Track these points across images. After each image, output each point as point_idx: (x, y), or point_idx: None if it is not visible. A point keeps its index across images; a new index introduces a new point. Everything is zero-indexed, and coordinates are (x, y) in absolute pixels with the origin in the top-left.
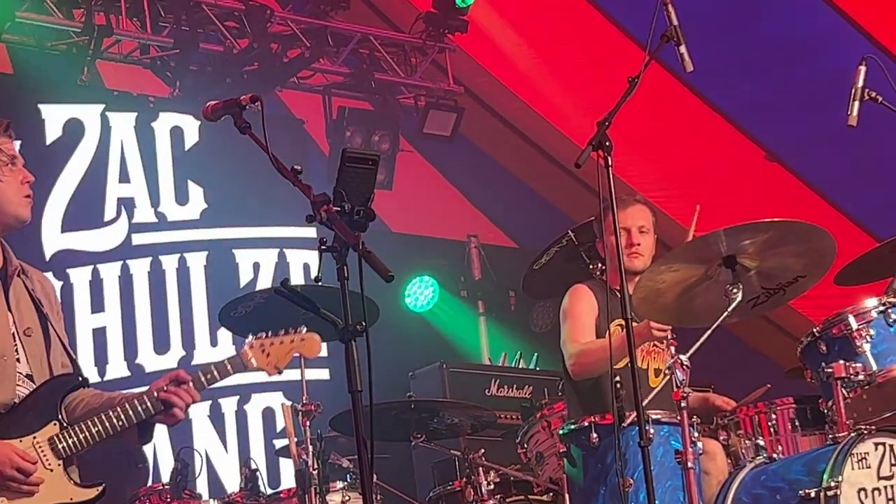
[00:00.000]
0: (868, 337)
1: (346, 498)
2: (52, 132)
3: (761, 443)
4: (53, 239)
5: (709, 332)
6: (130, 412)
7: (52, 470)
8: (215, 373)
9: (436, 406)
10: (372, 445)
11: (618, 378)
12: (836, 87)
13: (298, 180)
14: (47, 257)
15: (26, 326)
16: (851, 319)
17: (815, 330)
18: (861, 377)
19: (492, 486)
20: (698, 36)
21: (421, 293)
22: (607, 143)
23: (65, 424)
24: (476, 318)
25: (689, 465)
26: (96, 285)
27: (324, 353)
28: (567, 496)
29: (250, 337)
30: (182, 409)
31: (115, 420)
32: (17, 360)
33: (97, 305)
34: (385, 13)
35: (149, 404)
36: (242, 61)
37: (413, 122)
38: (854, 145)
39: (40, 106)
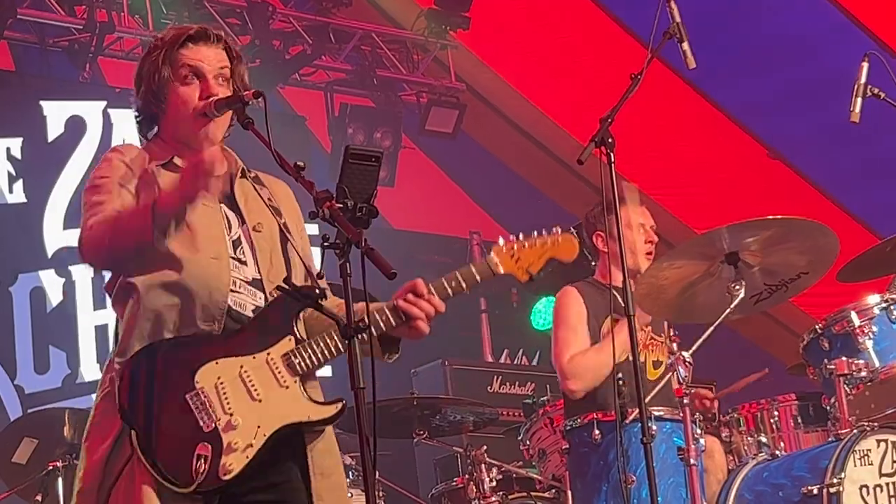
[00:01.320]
0: (871, 333)
1: (349, 495)
2: (54, 129)
3: (764, 440)
4: (56, 236)
5: (711, 328)
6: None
7: (287, 387)
8: (461, 281)
9: (438, 403)
10: (374, 442)
11: (620, 375)
12: (838, 84)
13: (301, 177)
14: (49, 254)
15: (256, 222)
16: (854, 316)
17: (817, 326)
18: (863, 374)
19: (494, 483)
20: (701, 33)
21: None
22: (610, 140)
23: (300, 339)
24: (478, 315)
25: (692, 461)
26: (98, 282)
27: None
28: (569, 493)
29: (500, 240)
30: (425, 322)
31: (336, 338)
32: (243, 262)
33: (99, 302)
34: (387, 10)
35: (388, 315)
36: (244, 58)
37: (415, 119)
38: (856, 142)
39: (42, 103)
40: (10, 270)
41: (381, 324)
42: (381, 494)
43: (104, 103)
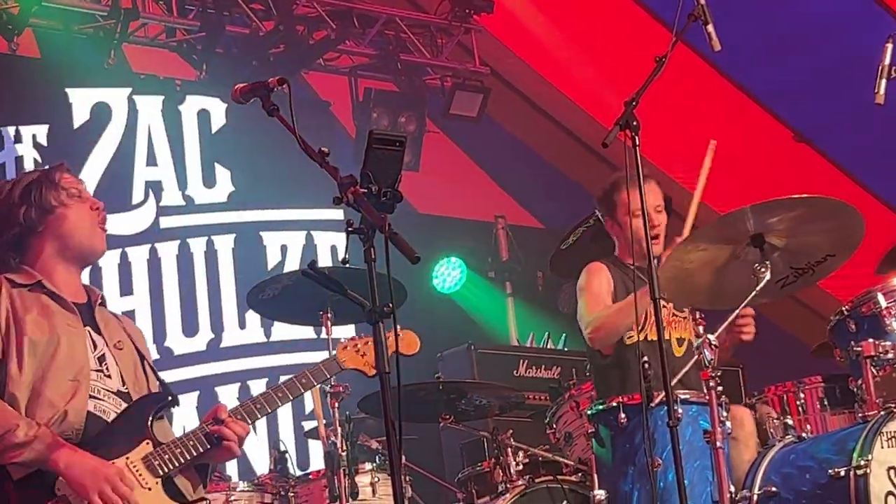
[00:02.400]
0: None
1: (375, 479)
2: (80, 116)
3: (790, 422)
4: None
5: (737, 311)
6: (196, 441)
7: (150, 489)
8: (311, 378)
9: (464, 387)
10: (400, 427)
11: (646, 357)
12: (864, 66)
13: (326, 162)
14: None
15: (116, 340)
16: (881, 297)
17: (844, 308)
18: (890, 355)
19: (520, 467)
20: (725, 15)
21: (448, 274)
22: (634, 123)
23: (158, 442)
24: (504, 299)
25: (718, 444)
26: (125, 269)
27: (352, 334)
28: (596, 476)
29: (342, 339)
30: (236, 445)
31: (191, 446)
32: (108, 375)
33: (126, 289)
34: None
35: (201, 438)
36: (268, 44)
37: (439, 104)
38: (882, 124)
39: (67, 90)
40: None
41: (192, 449)
42: (407, 478)
43: (129, 90)
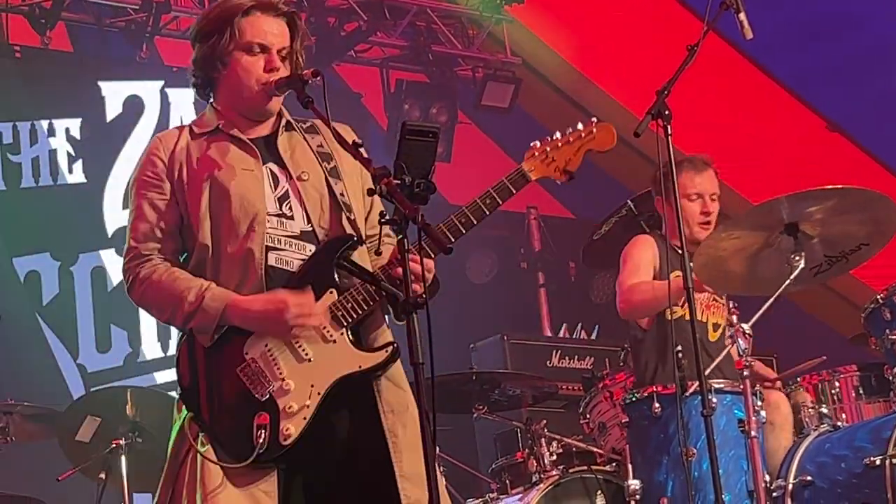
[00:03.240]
0: None
1: None
2: (113, 109)
3: (825, 411)
4: (115, 215)
5: (771, 300)
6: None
7: (334, 342)
8: (496, 196)
9: (497, 378)
10: (434, 418)
11: (679, 347)
12: None
13: (359, 153)
14: (109, 234)
15: (301, 170)
16: None
17: (879, 297)
18: None
19: (554, 457)
20: (757, 4)
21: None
22: (666, 113)
23: (342, 289)
24: (536, 290)
25: (753, 434)
26: None
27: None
28: (630, 466)
29: (534, 143)
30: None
31: (381, 284)
32: (290, 217)
33: None
34: None
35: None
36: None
37: (470, 95)
38: None
39: (100, 83)
40: (71, 250)
41: (375, 295)
42: (441, 469)
43: (161, 83)
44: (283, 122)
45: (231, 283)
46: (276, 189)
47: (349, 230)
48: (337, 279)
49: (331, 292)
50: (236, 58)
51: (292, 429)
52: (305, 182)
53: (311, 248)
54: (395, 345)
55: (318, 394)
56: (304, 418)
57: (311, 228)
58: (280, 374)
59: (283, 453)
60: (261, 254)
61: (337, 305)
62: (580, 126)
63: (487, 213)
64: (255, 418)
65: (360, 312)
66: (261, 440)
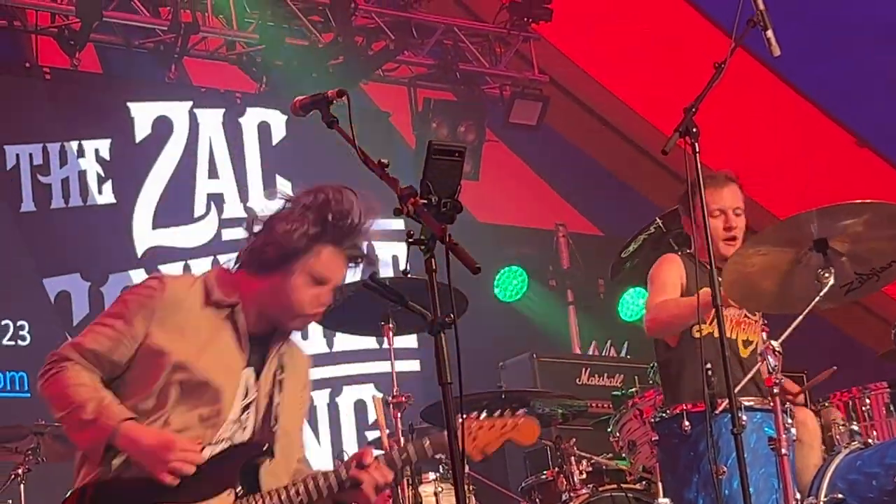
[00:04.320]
0: None
1: (439, 489)
2: (142, 130)
3: (856, 428)
4: (145, 236)
5: (801, 317)
6: (311, 487)
7: None
8: (412, 454)
9: (526, 396)
10: (463, 436)
11: (709, 365)
12: None
13: (385, 173)
14: (139, 254)
15: (269, 386)
16: None
17: None
18: None
19: (584, 476)
20: (785, 20)
21: (510, 283)
22: (694, 130)
23: (242, 493)
24: (565, 307)
25: (783, 451)
26: None
27: (413, 344)
28: (660, 484)
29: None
30: (373, 491)
31: (292, 494)
32: (243, 428)
33: None
34: (468, 4)
35: (332, 480)
36: (327, 55)
37: (498, 113)
38: None
39: (129, 104)
40: (102, 271)
41: (323, 489)
42: (471, 488)
43: (190, 103)
44: (280, 332)
45: None
46: (245, 397)
47: (268, 440)
48: (243, 482)
49: (228, 493)
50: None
51: None
52: (276, 406)
53: None
54: None
55: None
56: None
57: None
58: None
59: None
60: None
61: None
62: (507, 415)
63: (399, 466)
64: None
65: None
66: None
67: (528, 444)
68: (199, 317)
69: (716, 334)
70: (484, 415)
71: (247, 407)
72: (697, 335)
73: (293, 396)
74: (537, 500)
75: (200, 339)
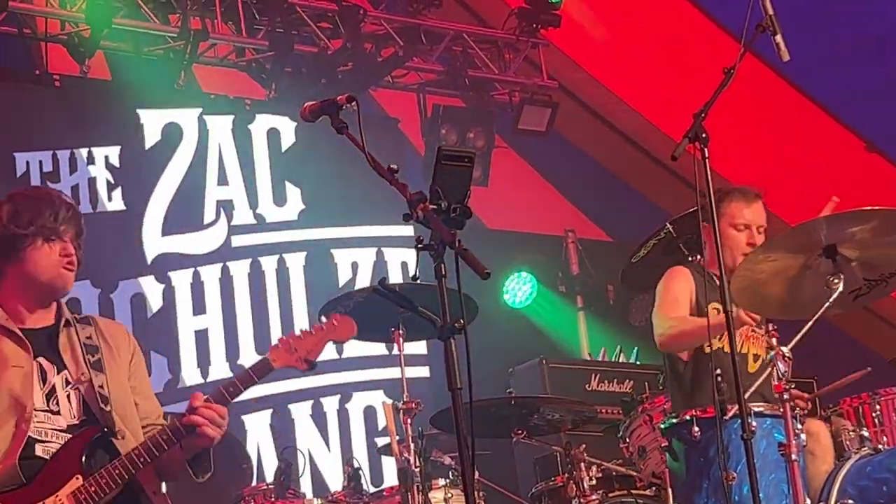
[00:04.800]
0: None
1: (449, 495)
2: (151, 137)
3: (866, 434)
4: (154, 243)
5: (810, 323)
6: (152, 447)
7: None
8: (238, 383)
9: (536, 402)
10: (472, 442)
11: (719, 371)
12: None
13: (395, 179)
14: (149, 261)
15: (81, 372)
16: None
17: None
18: None
19: (594, 482)
20: (794, 25)
21: (519, 289)
22: (704, 135)
23: (88, 475)
24: (575, 313)
25: (793, 457)
26: (197, 288)
27: (423, 350)
28: (670, 490)
29: (274, 341)
30: (210, 426)
31: (136, 460)
32: (56, 412)
33: (199, 307)
34: (477, 10)
35: (168, 434)
36: (337, 62)
37: (507, 119)
38: None
39: (139, 111)
40: (111, 277)
41: (162, 443)
42: (480, 494)
43: (199, 110)
44: (64, 319)
45: None
46: (44, 385)
47: (104, 422)
48: (84, 465)
49: (76, 478)
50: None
51: None
52: (82, 383)
53: None
54: None
55: None
56: None
57: (77, 422)
58: None
59: None
60: (18, 446)
61: (80, 490)
62: (323, 320)
63: (229, 399)
64: None
65: (102, 496)
66: None
67: (348, 338)
68: None
69: (725, 349)
70: (299, 329)
71: (51, 392)
72: (708, 350)
73: (119, 371)
74: None
75: None
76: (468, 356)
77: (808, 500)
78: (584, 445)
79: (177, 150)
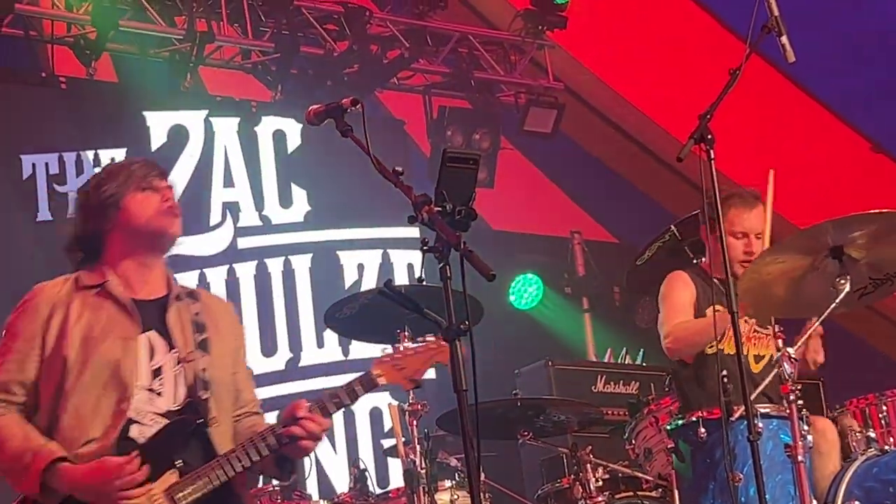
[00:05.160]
0: None
1: (455, 497)
2: (157, 139)
3: (872, 435)
4: None
5: (816, 323)
6: (251, 452)
7: None
8: (344, 396)
9: (542, 403)
10: (478, 444)
11: (724, 372)
12: None
13: (400, 181)
14: None
15: (189, 350)
16: None
17: None
18: None
19: (600, 483)
20: (799, 25)
21: (525, 291)
22: (709, 137)
23: (185, 471)
24: (581, 315)
25: (800, 458)
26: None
27: None
28: (676, 492)
29: (382, 352)
30: (309, 440)
31: (234, 462)
32: (159, 394)
33: None
34: (483, 12)
35: (270, 441)
36: (342, 63)
37: (513, 120)
38: None
39: (145, 113)
40: None
41: (263, 449)
42: (487, 495)
43: (205, 112)
44: (174, 292)
45: (88, 446)
46: (151, 360)
47: (201, 409)
48: (180, 459)
49: (171, 473)
50: (130, 197)
51: None
52: (189, 363)
53: None
54: None
55: None
56: None
57: (177, 408)
58: None
59: None
60: (118, 426)
61: (175, 488)
62: (430, 339)
63: (332, 412)
64: None
65: (198, 495)
66: None
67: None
68: (76, 305)
69: (726, 350)
70: (407, 344)
71: (157, 371)
72: (710, 351)
73: (223, 354)
74: None
75: (84, 324)
76: (473, 358)
77: (815, 502)
78: (590, 447)
79: (183, 152)
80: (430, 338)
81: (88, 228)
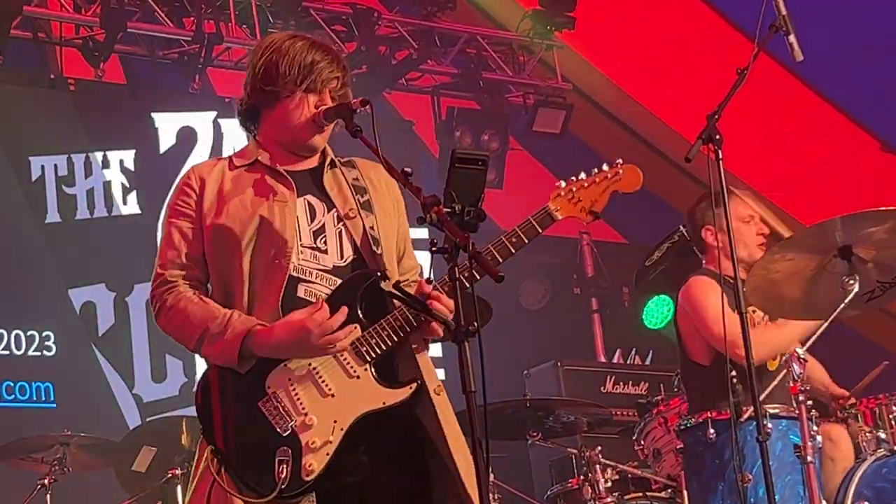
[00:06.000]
0: None
1: None
2: (166, 140)
3: (883, 435)
4: None
5: (825, 324)
6: (401, 318)
7: (358, 377)
8: (522, 235)
9: (551, 404)
10: (487, 445)
11: (734, 373)
12: None
13: (409, 182)
14: None
15: (349, 208)
16: None
17: None
18: None
19: (609, 484)
20: (807, 24)
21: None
22: (717, 137)
23: (366, 324)
24: (590, 315)
25: (809, 459)
26: None
27: (438, 353)
28: (685, 492)
29: (560, 183)
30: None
31: (413, 318)
32: (323, 251)
33: None
34: (491, 12)
35: (409, 318)
36: (351, 65)
37: (522, 121)
38: None
39: (153, 115)
40: (127, 281)
41: (399, 331)
42: (496, 496)
43: (214, 113)
44: (329, 159)
45: (257, 311)
46: (311, 222)
47: (375, 265)
48: (360, 315)
49: (354, 327)
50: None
51: (315, 464)
52: (351, 220)
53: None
54: (420, 381)
55: (342, 429)
56: (327, 454)
57: (343, 264)
58: (302, 408)
59: (306, 487)
60: (280, 284)
61: (361, 341)
62: (606, 167)
63: (513, 251)
64: (276, 453)
65: (384, 348)
66: (283, 475)
67: (634, 190)
68: (229, 178)
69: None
70: (582, 175)
71: (319, 231)
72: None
73: (387, 214)
74: None
75: (243, 198)
76: (482, 359)
77: (825, 503)
78: (599, 448)
79: (192, 153)
80: (606, 168)
81: (248, 101)
